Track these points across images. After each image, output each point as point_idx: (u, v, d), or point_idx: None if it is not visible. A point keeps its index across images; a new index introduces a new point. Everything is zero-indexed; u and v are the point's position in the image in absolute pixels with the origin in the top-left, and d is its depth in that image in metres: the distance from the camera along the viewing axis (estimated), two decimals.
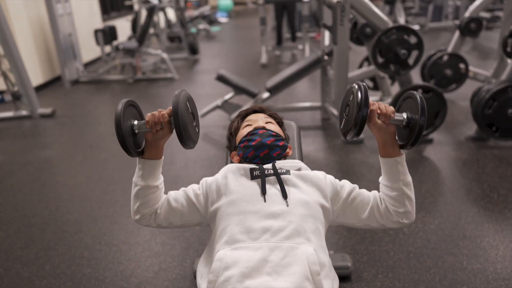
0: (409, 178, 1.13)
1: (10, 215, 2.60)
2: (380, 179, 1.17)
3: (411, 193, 1.13)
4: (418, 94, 1.07)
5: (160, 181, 1.17)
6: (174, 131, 1.07)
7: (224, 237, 1.07)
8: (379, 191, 1.19)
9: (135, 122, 1.10)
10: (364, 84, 1.05)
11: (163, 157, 1.17)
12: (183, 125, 1.03)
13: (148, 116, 1.07)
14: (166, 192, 1.22)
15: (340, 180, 1.24)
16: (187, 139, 1.05)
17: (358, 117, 1.01)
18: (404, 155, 1.12)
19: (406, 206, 1.13)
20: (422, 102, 1.04)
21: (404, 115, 1.09)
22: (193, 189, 1.21)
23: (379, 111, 1.07)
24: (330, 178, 1.23)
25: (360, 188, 1.23)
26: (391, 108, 1.08)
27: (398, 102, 1.16)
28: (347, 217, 1.20)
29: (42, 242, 2.30)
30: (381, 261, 2.04)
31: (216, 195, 1.15)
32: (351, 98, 1.08)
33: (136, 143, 1.11)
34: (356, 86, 1.05)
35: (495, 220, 2.34)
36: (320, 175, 1.21)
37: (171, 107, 1.06)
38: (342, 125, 1.14)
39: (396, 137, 1.12)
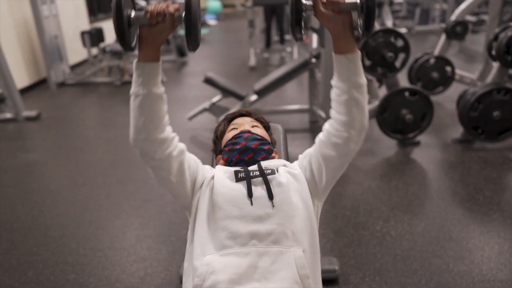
0: (361, 80, 1.01)
1: None
2: (332, 80, 1.05)
3: (361, 97, 1.01)
4: None
5: (163, 89, 1.04)
6: (175, 27, 0.97)
7: (211, 243, 1.04)
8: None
9: (133, 12, 0.95)
10: None
11: (161, 61, 1.03)
12: (194, 18, 0.91)
13: (149, 7, 0.96)
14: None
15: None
16: (196, 36, 0.94)
17: (292, 8, 0.93)
18: (358, 53, 0.99)
19: (352, 113, 1.02)
20: None
21: None
22: (202, 170, 1.16)
23: (324, 0, 0.96)
24: (296, 163, 1.21)
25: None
26: None
27: None
28: (320, 181, 1.13)
29: (25, 247, 2.26)
30: (368, 264, 2.04)
31: (208, 193, 1.12)
32: None
33: (130, 36, 0.97)
34: None
35: (481, 221, 2.36)
36: (295, 165, 1.20)
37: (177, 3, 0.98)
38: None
39: (359, 28, 1.00)
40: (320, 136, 1.13)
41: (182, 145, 1.12)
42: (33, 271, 2.07)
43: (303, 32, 0.97)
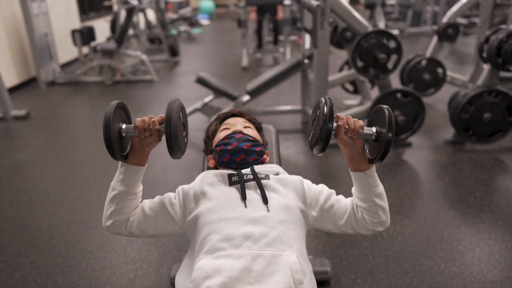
0: (380, 189, 1.12)
1: None
2: (352, 189, 1.16)
3: (383, 203, 1.12)
4: (386, 108, 1.02)
5: (139, 189, 1.14)
6: (162, 138, 1.05)
7: (205, 247, 1.04)
8: None
9: (123, 126, 1.06)
10: (331, 98, 1.01)
11: (146, 164, 1.13)
12: (174, 135, 1.00)
13: (137, 121, 1.04)
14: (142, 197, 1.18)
15: (317, 184, 1.23)
16: (176, 149, 1.02)
17: (323, 132, 0.99)
18: (373, 167, 1.10)
19: (380, 216, 1.12)
20: (390, 116, 1.00)
21: (374, 129, 1.04)
22: (169, 198, 1.18)
23: (347, 127, 1.03)
24: (308, 183, 1.21)
25: (339, 192, 1.21)
26: (360, 123, 1.04)
27: (369, 115, 1.12)
28: (325, 223, 1.18)
29: (12, 249, 2.22)
30: (360, 265, 2.03)
31: (194, 203, 1.12)
32: (318, 113, 1.05)
33: (121, 146, 1.07)
34: (323, 101, 1.02)
35: (472, 223, 2.37)
36: (297, 180, 1.19)
37: (162, 115, 1.04)
38: (310, 138, 1.11)
39: (367, 150, 1.09)
40: (355, 209, 1.15)
41: (139, 208, 1.15)
42: (20, 273, 2.04)
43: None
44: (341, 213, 1.16)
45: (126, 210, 1.11)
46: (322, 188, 1.21)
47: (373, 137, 1.04)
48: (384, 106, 1.04)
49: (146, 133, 1.04)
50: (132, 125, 1.06)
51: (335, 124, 1.03)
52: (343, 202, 1.18)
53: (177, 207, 1.15)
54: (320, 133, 1.00)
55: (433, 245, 2.17)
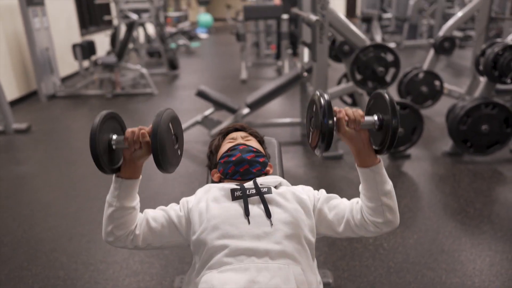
0: (388, 187, 1.06)
1: None
2: (360, 187, 1.10)
3: (391, 202, 1.06)
4: (385, 93, 0.97)
5: (136, 201, 1.11)
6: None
7: (210, 262, 1.04)
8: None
9: (114, 137, 1.02)
10: (325, 91, 0.96)
11: (141, 176, 1.10)
12: (161, 148, 0.95)
13: (128, 132, 1.01)
14: (141, 210, 1.14)
15: (318, 189, 1.23)
16: (164, 163, 0.98)
17: (324, 128, 0.93)
18: (381, 162, 1.05)
19: (386, 216, 1.06)
20: (391, 101, 0.95)
21: (375, 117, 0.99)
22: (174, 210, 1.16)
23: (347, 118, 1.00)
24: (309, 190, 1.20)
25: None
26: (360, 112, 1.01)
27: (367, 104, 1.06)
28: (325, 229, 1.16)
29: (15, 262, 2.22)
30: (361, 276, 2.04)
31: (198, 220, 1.11)
32: (314, 109, 0.99)
33: (112, 159, 1.03)
34: (318, 94, 0.97)
35: (472, 234, 2.38)
36: (300, 190, 1.19)
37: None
38: (310, 139, 1.05)
39: (372, 142, 1.04)
40: (355, 211, 1.11)
41: (140, 219, 1.14)
42: (23, 286, 2.04)
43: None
44: (339, 219, 1.13)
45: (127, 224, 1.09)
46: (321, 194, 1.19)
47: (376, 126, 0.99)
48: (383, 91, 0.98)
49: (136, 146, 1.01)
50: (123, 136, 1.02)
51: (334, 119, 0.98)
52: (342, 208, 1.15)
53: (183, 220, 1.14)
54: (322, 130, 0.93)
55: (434, 256, 2.19)
